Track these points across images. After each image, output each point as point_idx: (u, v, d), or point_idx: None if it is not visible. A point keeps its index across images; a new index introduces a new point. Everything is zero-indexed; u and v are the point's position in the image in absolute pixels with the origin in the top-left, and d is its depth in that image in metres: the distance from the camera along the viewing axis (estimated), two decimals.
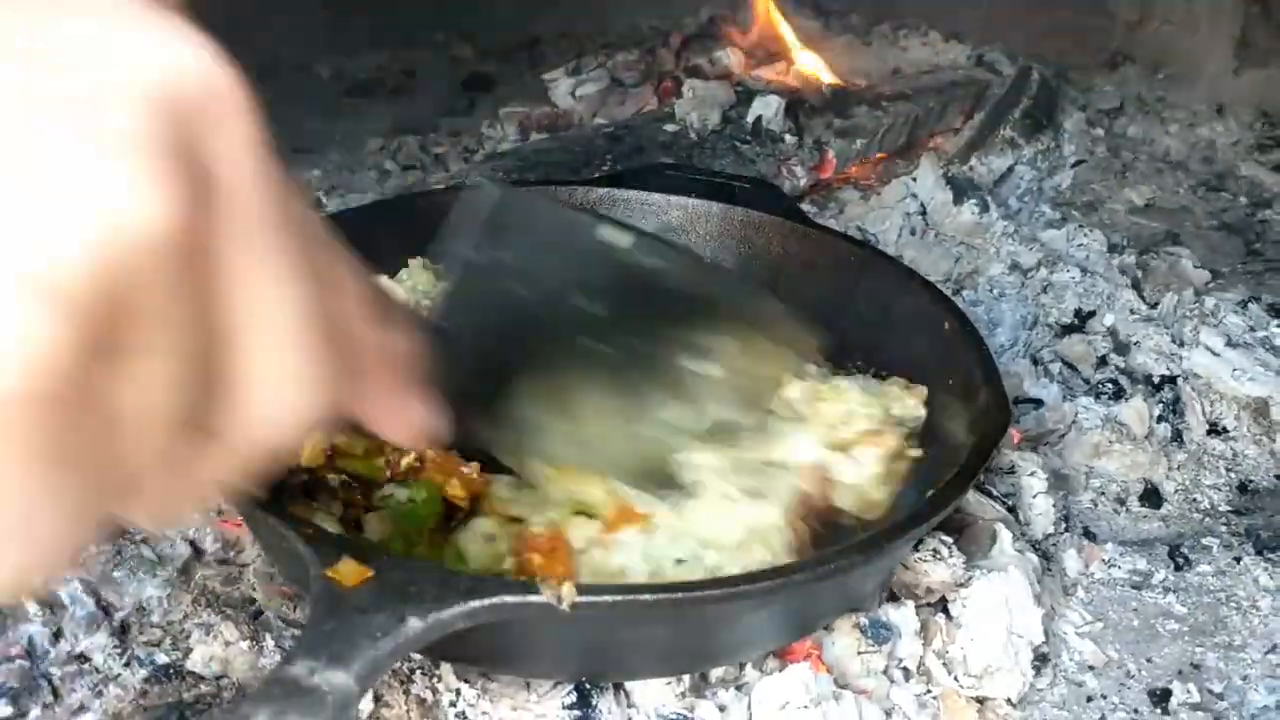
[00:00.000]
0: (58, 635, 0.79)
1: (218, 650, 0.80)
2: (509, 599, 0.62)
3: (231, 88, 0.35)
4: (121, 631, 0.81)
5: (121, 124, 0.31)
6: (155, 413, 0.33)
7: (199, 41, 0.34)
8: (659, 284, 0.70)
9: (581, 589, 0.62)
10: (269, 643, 0.81)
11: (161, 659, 0.79)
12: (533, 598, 0.61)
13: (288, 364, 0.36)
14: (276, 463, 0.39)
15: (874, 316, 0.99)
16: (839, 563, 0.67)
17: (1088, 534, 1.01)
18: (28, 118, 0.30)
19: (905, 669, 0.79)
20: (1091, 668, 0.87)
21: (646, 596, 0.64)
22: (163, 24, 0.34)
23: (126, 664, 0.79)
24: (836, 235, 1.08)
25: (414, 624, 0.59)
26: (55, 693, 0.76)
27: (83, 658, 0.79)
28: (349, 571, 0.62)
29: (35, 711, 0.75)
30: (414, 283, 0.95)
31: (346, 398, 0.43)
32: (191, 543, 0.89)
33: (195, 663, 0.79)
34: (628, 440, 0.74)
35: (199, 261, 0.33)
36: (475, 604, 0.61)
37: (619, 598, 0.63)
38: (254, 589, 0.85)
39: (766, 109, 1.52)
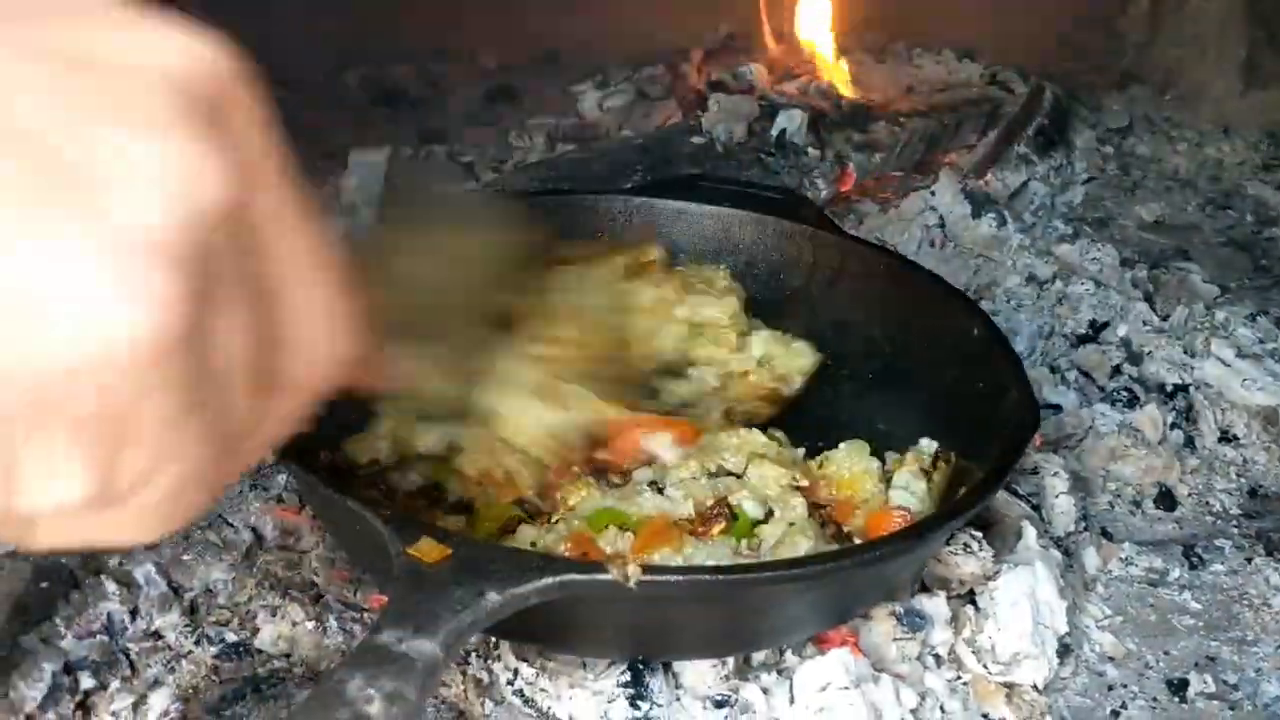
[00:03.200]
0: (134, 613, 0.84)
1: (285, 629, 0.84)
2: (579, 576, 0.66)
3: (240, 70, 0.38)
4: (191, 611, 0.86)
5: (163, 106, 0.34)
6: (244, 363, 0.37)
7: (204, 33, 0.37)
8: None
9: (647, 569, 0.66)
10: (332, 623, 0.85)
11: (231, 637, 0.83)
12: (600, 575, 0.66)
13: (325, 301, 0.41)
14: (321, 403, 0.44)
15: (903, 323, 1.04)
16: (887, 549, 0.71)
17: (1105, 534, 1.05)
18: (76, 108, 0.33)
19: (938, 655, 0.84)
20: (1111, 659, 0.92)
21: (709, 577, 0.68)
22: (168, 21, 0.37)
23: (197, 641, 0.83)
24: (866, 244, 1.12)
25: (492, 598, 0.63)
26: (133, 667, 0.81)
27: (157, 635, 0.83)
28: (429, 549, 0.66)
29: (115, 684, 0.79)
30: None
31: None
32: (253, 529, 0.93)
33: (263, 641, 0.83)
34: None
35: (248, 219, 0.37)
36: (548, 580, 0.65)
37: (683, 577, 0.68)
38: (315, 573, 0.89)
39: (790, 122, 1.57)
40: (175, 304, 0.33)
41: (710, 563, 0.75)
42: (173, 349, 0.33)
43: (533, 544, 0.81)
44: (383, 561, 0.68)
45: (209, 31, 0.38)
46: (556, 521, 0.84)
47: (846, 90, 1.78)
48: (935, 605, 0.85)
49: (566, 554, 0.79)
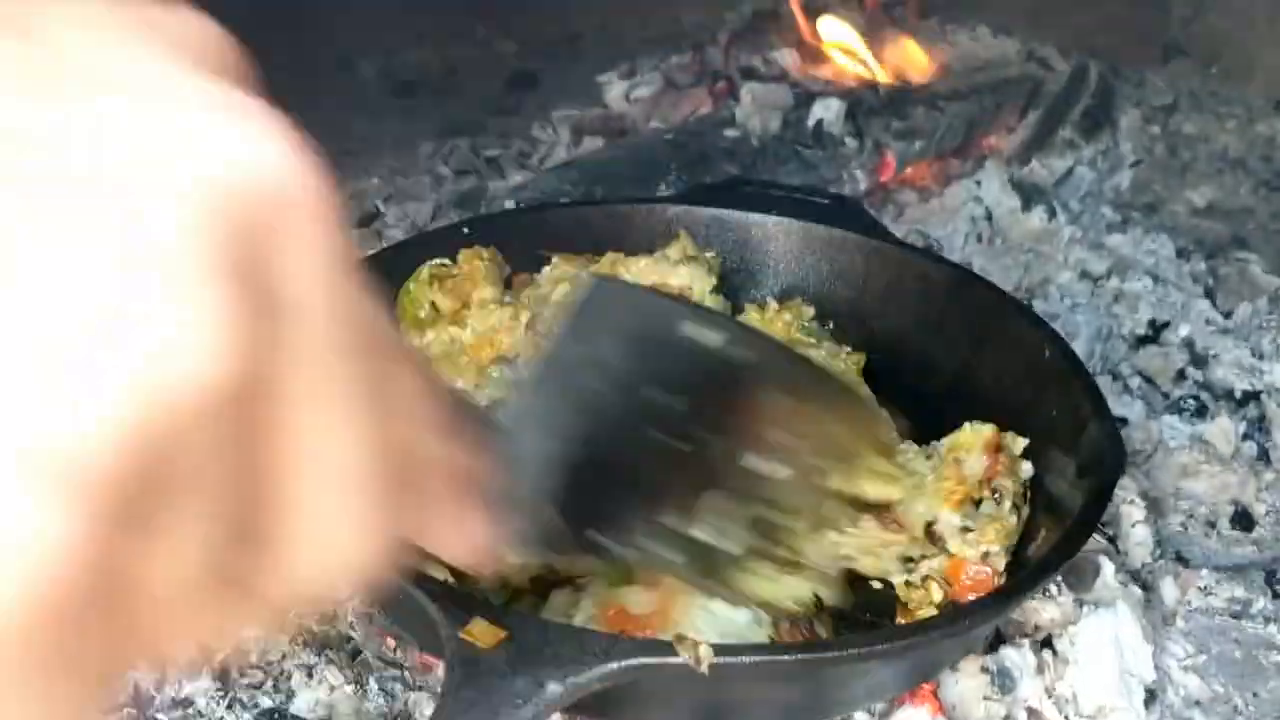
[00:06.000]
0: (162, 681, 0.79)
1: (322, 694, 0.79)
2: (647, 660, 0.60)
3: (312, 188, 0.27)
4: (222, 675, 0.81)
5: (169, 239, 0.24)
6: (183, 579, 0.27)
7: (275, 128, 0.27)
8: (746, 379, 0.65)
9: (718, 650, 0.61)
10: (372, 685, 0.80)
11: (265, 703, 0.78)
12: (670, 659, 0.60)
13: (346, 509, 0.30)
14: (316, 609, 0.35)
15: (964, 342, 0.98)
16: (975, 617, 0.66)
17: (1179, 559, 0.99)
18: (35, 235, 0.23)
19: (1028, 709, 0.78)
20: (1198, 703, 0.86)
21: (785, 657, 0.63)
22: (229, 103, 0.26)
23: (229, 707, 0.78)
24: (924, 254, 1.06)
25: (553, 689, 0.58)
26: None
27: (187, 703, 0.78)
28: (483, 632, 0.61)
29: None
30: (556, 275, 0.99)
31: (405, 525, 0.36)
32: None
33: (300, 707, 0.78)
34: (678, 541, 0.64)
35: (255, 408, 0.27)
36: (613, 666, 0.60)
37: (758, 659, 0.62)
38: (352, 628, 0.84)
39: (827, 112, 1.50)
40: (64, 555, 0.23)
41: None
42: (39, 619, 0.23)
43: (568, 615, 0.75)
44: (433, 638, 0.63)
45: (283, 125, 0.27)
46: (582, 586, 0.77)
47: (882, 74, 1.71)
48: (1023, 657, 0.80)
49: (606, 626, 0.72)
